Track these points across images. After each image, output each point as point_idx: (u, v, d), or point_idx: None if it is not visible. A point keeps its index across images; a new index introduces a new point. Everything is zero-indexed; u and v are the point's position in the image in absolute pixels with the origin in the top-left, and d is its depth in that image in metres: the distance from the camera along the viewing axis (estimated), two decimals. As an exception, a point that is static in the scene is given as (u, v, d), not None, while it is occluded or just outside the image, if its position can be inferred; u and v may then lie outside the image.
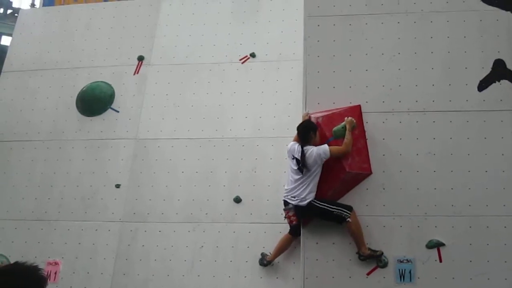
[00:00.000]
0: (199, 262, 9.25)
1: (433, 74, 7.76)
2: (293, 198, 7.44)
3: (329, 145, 7.30)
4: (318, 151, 7.23)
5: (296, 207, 7.45)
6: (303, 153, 7.27)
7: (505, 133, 7.41)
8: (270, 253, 8.80)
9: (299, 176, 7.38)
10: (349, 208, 7.23)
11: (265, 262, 8.83)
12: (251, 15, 10.95)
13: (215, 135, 10.05)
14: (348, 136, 7.30)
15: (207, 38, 10.88)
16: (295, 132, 7.78)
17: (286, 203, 7.64)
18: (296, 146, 7.47)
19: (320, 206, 7.28)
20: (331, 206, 7.25)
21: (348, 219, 7.15)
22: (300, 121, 7.92)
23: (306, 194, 7.33)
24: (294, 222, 7.64)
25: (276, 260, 8.86)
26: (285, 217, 7.74)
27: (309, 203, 7.32)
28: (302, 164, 7.28)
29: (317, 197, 7.34)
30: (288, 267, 8.91)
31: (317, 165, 7.28)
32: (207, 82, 10.50)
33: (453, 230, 7.15)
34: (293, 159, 7.45)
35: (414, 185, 7.36)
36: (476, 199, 7.22)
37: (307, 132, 7.43)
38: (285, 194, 7.63)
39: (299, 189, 7.37)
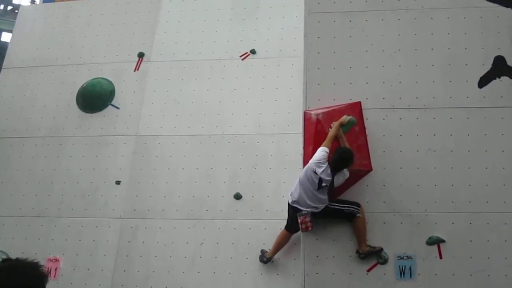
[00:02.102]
0: (199, 259, 9.27)
1: (433, 71, 7.75)
2: (305, 207, 7.36)
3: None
4: (342, 177, 7.17)
5: (312, 213, 7.35)
6: (333, 182, 7.17)
7: (506, 129, 7.40)
8: (269, 250, 8.82)
9: (318, 193, 7.25)
10: (358, 205, 7.23)
11: (265, 259, 8.84)
12: (251, 11, 10.96)
13: (215, 131, 10.06)
14: (342, 140, 7.35)
15: (208, 35, 10.88)
16: (297, 129, 7.71)
17: (296, 209, 7.45)
18: (326, 169, 7.16)
19: (332, 207, 7.27)
20: (341, 205, 7.25)
21: (358, 214, 7.15)
22: (300, 118, 7.90)
23: (322, 204, 7.30)
24: (310, 228, 7.36)
25: (277, 256, 8.87)
26: (300, 223, 7.43)
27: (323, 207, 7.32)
28: (330, 192, 7.22)
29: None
30: (288, 264, 8.92)
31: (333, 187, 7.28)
32: (207, 78, 10.51)
33: (453, 226, 7.14)
34: (318, 182, 7.23)
35: (414, 182, 7.36)
36: (476, 196, 7.21)
37: (344, 166, 7.19)
38: (295, 201, 7.47)
39: (315, 200, 7.29)
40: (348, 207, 7.21)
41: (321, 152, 7.26)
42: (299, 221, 7.41)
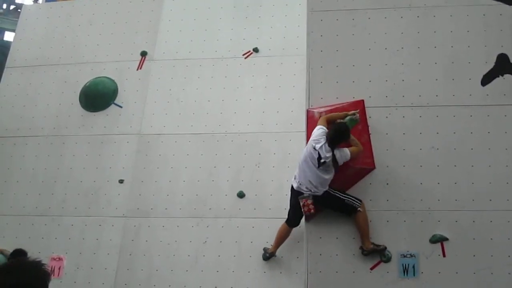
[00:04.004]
0: (202, 257, 9.28)
1: (436, 69, 7.73)
2: (307, 189, 7.32)
3: None
4: (342, 155, 7.13)
5: (313, 196, 7.33)
6: (334, 157, 7.12)
7: (509, 127, 7.38)
8: (271, 246, 8.82)
9: (318, 171, 7.25)
10: (360, 200, 7.21)
11: (268, 254, 8.85)
12: (254, 10, 10.97)
13: (218, 130, 10.07)
14: (351, 137, 7.26)
15: (210, 33, 10.89)
16: (300, 127, 7.69)
17: (299, 192, 7.45)
18: (324, 145, 7.17)
19: (333, 193, 7.25)
20: (343, 194, 7.23)
21: (359, 209, 7.12)
22: (303, 117, 7.90)
23: (323, 186, 7.27)
24: (312, 211, 7.35)
25: (280, 254, 8.88)
26: (302, 205, 7.43)
27: (325, 191, 7.29)
28: (336, 167, 7.19)
29: (331, 186, 7.32)
30: (291, 262, 8.94)
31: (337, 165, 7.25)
32: (210, 77, 10.52)
33: (457, 224, 7.12)
34: (318, 158, 7.22)
35: (417, 180, 7.33)
36: (480, 194, 7.18)
37: (341, 139, 7.20)
38: (299, 184, 7.45)
39: (317, 181, 7.26)
40: (350, 199, 7.19)
41: (318, 130, 7.31)
42: (301, 204, 7.40)
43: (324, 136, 7.24)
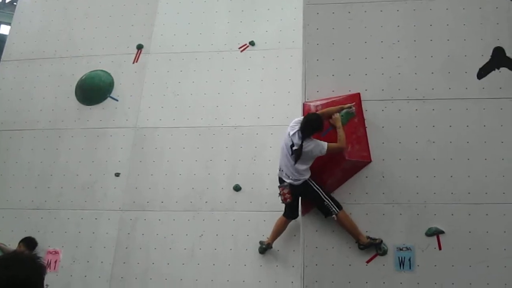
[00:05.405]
0: (199, 251, 9.28)
1: (432, 62, 7.72)
2: (287, 176, 7.38)
3: (327, 135, 7.25)
4: (316, 147, 7.10)
5: (291, 185, 7.39)
6: (301, 146, 7.13)
7: (505, 120, 7.38)
8: (267, 238, 8.83)
9: (292, 159, 7.27)
10: (339, 207, 7.17)
11: (264, 246, 8.85)
12: (250, 3, 10.95)
13: (214, 123, 10.06)
14: (340, 133, 7.18)
15: (206, 26, 10.87)
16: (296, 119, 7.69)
17: (281, 180, 7.51)
18: (297, 134, 7.20)
19: (315, 188, 7.25)
20: (325, 195, 7.20)
21: (334, 216, 7.10)
22: (300, 110, 7.89)
23: (300, 175, 7.27)
24: (288, 200, 7.51)
25: (276, 248, 8.89)
26: (279, 194, 7.59)
27: (305, 182, 7.30)
28: (297, 155, 7.18)
29: (315, 181, 7.32)
30: (288, 255, 8.95)
31: (311, 158, 7.23)
32: (206, 70, 10.50)
33: (453, 217, 7.13)
34: (291, 145, 7.27)
35: (413, 173, 7.34)
36: (476, 187, 7.19)
37: (312, 130, 7.16)
38: (280, 171, 7.52)
39: (292, 170, 7.28)
40: (329, 202, 7.18)
41: (299, 118, 7.39)
42: (279, 191, 7.52)
43: (299, 124, 7.27)
